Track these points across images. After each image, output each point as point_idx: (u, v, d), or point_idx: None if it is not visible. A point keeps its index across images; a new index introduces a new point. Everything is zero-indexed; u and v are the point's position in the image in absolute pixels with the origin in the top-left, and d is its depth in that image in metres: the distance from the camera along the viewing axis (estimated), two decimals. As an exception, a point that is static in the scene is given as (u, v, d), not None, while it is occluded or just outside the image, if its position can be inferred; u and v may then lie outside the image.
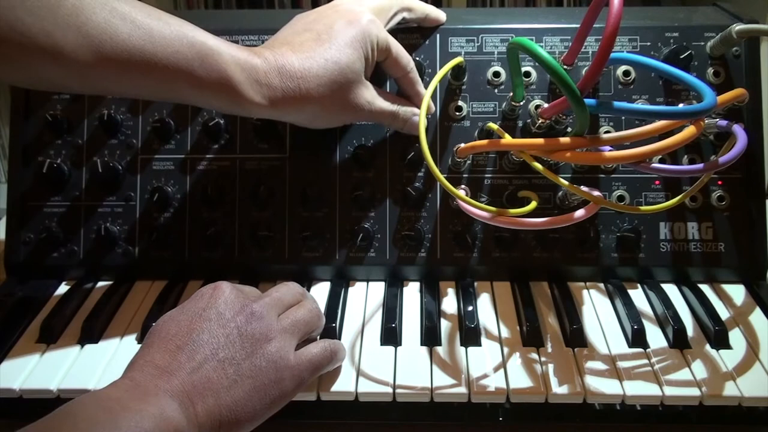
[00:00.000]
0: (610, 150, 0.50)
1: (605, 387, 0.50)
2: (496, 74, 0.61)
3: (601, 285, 0.61)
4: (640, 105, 0.59)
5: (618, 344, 0.54)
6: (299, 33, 0.53)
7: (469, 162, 0.61)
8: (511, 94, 0.58)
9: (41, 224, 0.62)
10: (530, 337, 0.54)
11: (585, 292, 0.61)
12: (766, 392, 0.49)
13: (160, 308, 0.57)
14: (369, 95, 0.55)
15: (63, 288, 0.62)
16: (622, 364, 0.52)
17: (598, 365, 0.52)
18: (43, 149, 0.63)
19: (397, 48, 0.56)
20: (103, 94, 0.63)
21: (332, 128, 0.62)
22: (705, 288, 0.60)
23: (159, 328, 0.46)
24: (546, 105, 0.56)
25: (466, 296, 0.58)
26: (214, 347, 0.44)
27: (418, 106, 0.59)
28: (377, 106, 0.56)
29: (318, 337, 0.54)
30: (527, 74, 0.61)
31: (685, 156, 0.60)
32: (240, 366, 0.44)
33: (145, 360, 0.43)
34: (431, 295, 0.59)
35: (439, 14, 0.63)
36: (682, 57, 0.59)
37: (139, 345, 0.51)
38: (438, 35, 0.62)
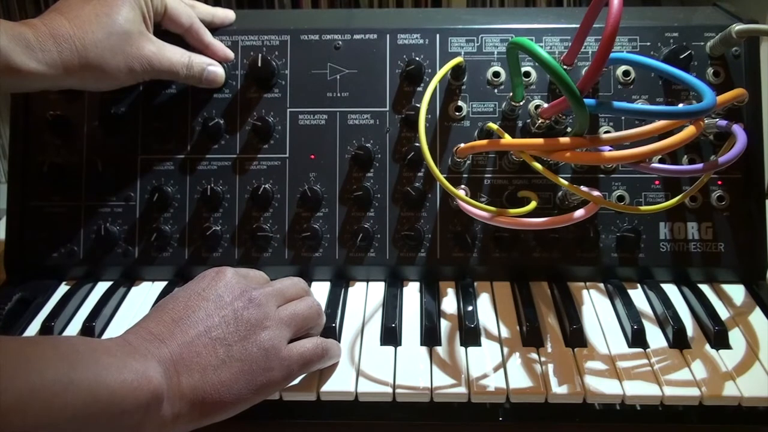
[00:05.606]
0: (609, 150, 0.50)
1: (605, 387, 0.50)
2: (496, 74, 0.61)
3: (601, 285, 0.61)
4: (640, 105, 0.59)
5: (618, 344, 0.54)
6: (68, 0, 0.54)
7: (468, 162, 0.61)
8: (511, 94, 0.58)
9: (41, 224, 0.62)
10: (530, 337, 0.54)
11: (585, 292, 0.61)
12: (766, 392, 0.49)
13: (160, 308, 0.57)
14: (153, 47, 0.56)
15: (63, 288, 0.62)
16: (622, 364, 0.52)
17: (598, 365, 0.52)
18: (43, 149, 0.63)
19: (173, 3, 0.58)
20: None
21: (332, 128, 0.62)
22: (705, 288, 0.60)
23: (160, 303, 0.48)
24: (546, 105, 0.56)
25: (466, 296, 0.58)
26: (208, 326, 0.45)
27: (212, 57, 0.61)
28: (165, 57, 0.57)
29: (317, 335, 0.54)
30: (527, 74, 0.61)
31: (685, 156, 0.60)
32: (231, 348, 0.45)
33: (141, 326, 0.45)
34: (431, 295, 0.59)
35: (226, 14, 0.64)
36: (681, 57, 0.59)
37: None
38: (438, 35, 0.62)
